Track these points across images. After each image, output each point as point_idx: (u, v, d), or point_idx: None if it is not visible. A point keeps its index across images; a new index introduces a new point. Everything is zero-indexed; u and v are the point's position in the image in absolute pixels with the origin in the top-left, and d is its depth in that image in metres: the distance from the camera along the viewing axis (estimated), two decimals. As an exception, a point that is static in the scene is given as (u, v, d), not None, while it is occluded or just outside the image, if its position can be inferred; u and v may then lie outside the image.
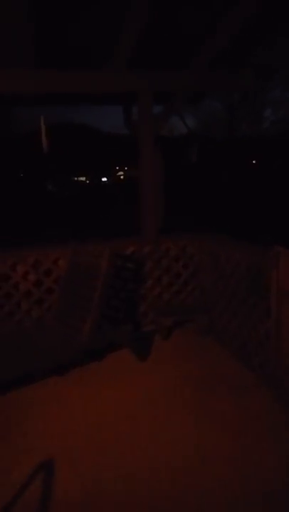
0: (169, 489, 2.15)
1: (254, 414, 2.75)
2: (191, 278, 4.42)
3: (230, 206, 13.37)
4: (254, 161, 21.96)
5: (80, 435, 2.64)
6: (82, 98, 4.71)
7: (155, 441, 2.53)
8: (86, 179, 54.12)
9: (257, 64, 4.07)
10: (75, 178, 52.06)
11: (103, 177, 55.67)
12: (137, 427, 2.68)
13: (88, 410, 2.91)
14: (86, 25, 3.14)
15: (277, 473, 2.22)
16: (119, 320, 4.04)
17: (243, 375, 3.29)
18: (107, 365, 3.55)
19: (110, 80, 3.83)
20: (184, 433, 2.60)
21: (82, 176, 54.53)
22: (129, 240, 4.26)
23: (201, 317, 4.17)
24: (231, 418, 2.72)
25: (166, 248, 4.32)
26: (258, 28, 3.64)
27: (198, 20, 3.35)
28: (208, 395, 3.01)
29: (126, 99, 4.56)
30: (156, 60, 3.81)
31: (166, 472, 2.27)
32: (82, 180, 53.42)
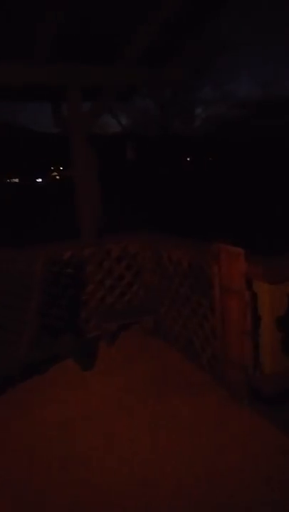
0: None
1: (207, 412, 2.70)
2: (135, 278, 4.31)
3: (171, 203, 13.51)
4: (188, 159, 22.53)
5: (21, 462, 2.40)
6: (4, 93, 4.36)
7: (109, 460, 2.38)
8: (19, 180, 52.09)
9: (189, 61, 4.03)
10: (7, 180, 49.84)
11: (38, 178, 53.95)
12: (84, 445, 2.50)
13: (30, 433, 2.66)
14: None
15: (238, 474, 2.17)
16: (60, 329, 3.80)
17: (193, 373, 3.24)
18: (50, 380, 3.31)
19: (32, 72, 3.57)
20: (139, 440, 2.48)
21: (15, 178, 52.40)
22: (67, 243, 4.03)
23: (147, 318, 4.08)
24: (186, 418, 2.65)
25: (107, 249, 4.15)
26: (187, 23, 3.62)
27: (126, 14, 3.24)
28: (160, 398, 2.91)
29: (54, 96, 4.31)
30: (82, 54, 3.63)
31: (119, 491, 2.13)
32: (15, 182, 51.32)
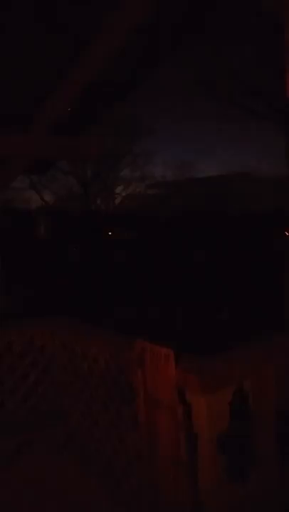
0: None
1: None
2: (43, 377, 3.52)
3: (84, 285, 11.89)
4: (110, 233, 22.89)
5: None
6: None
7: None
8: None
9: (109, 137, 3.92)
10: None
11: None
12: None
13: None
14: None
15: None
16: None
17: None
18: None
19: None
20: None
21: None
22: None
23: (56, 427, 3.27)
24: None
25: (7, 342, 3.38)
26: (103, 97, 3.51)
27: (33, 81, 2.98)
28: None
29: None
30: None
31: None
32: None
